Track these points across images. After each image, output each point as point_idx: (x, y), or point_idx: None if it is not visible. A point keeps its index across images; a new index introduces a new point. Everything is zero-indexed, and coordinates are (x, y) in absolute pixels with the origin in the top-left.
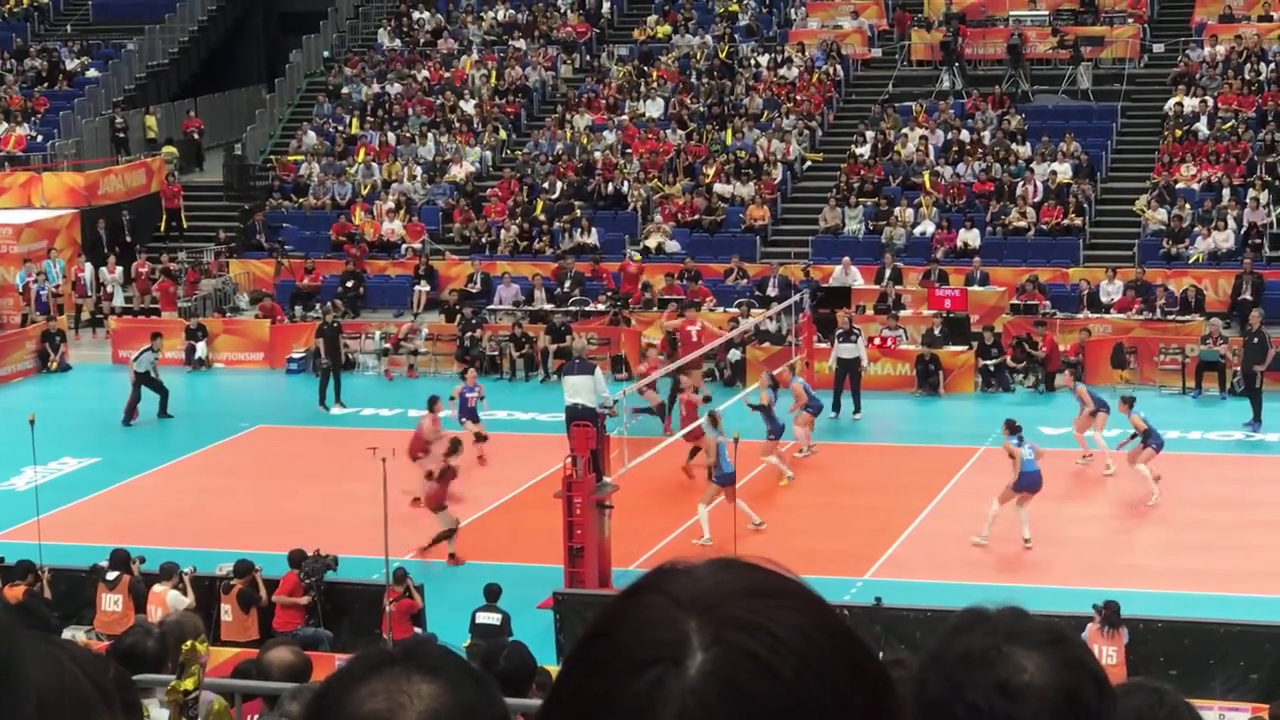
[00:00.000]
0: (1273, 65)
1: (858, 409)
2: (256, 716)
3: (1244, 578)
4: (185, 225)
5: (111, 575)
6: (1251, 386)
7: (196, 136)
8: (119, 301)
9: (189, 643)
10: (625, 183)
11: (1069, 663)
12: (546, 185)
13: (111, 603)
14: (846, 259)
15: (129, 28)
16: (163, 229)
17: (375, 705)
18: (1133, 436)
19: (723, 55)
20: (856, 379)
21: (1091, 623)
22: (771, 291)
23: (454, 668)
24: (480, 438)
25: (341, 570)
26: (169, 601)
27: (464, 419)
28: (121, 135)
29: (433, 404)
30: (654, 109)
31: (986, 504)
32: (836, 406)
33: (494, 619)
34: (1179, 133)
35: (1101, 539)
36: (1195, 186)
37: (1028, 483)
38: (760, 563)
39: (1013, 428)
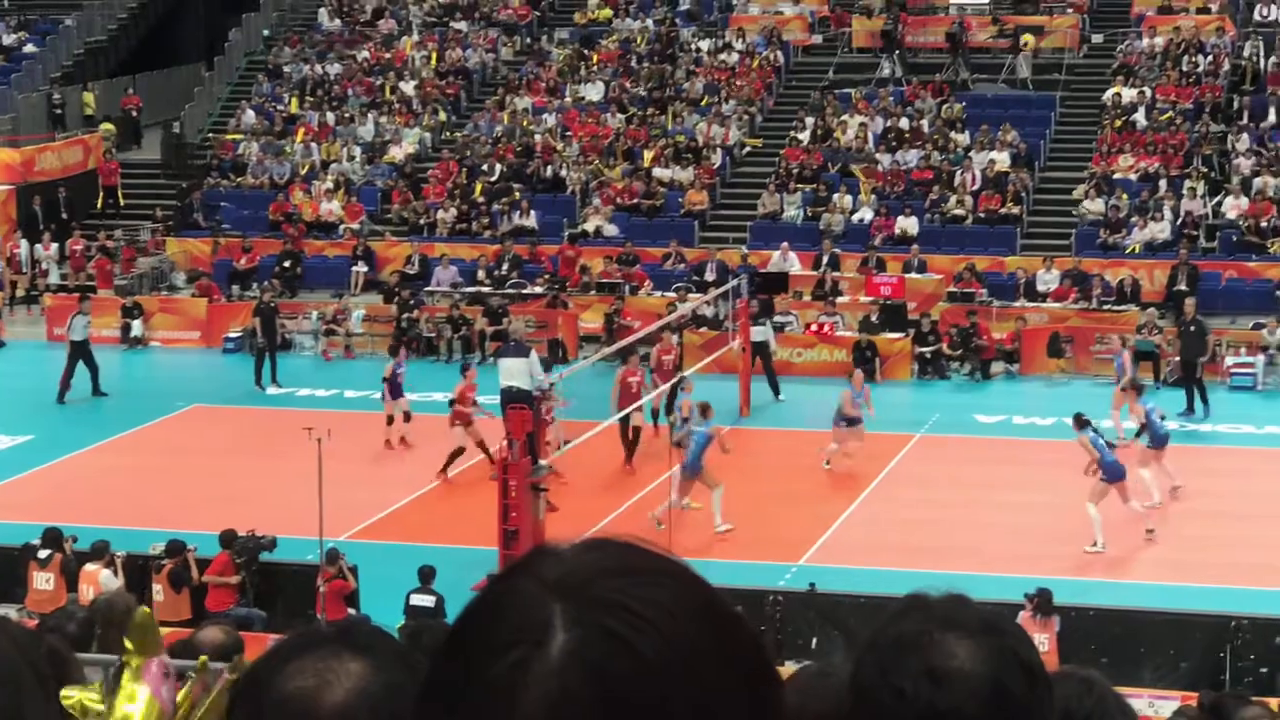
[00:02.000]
0: (1210, 57)
1: (776, 392)
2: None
3: (1175, 567)
4: (122, 203)
5: (44, 554)
6: (1191, 376)
7: (134, 114)
8: (54, 279)
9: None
10: (564, 166)
11: (1000, 652)
12: (486, 167)
13: (43, 581)
14: (785, 245)
15: (68, 3)
16: (99, 206)
17: (303, 682)
18: (1139, 432)
19: (663, 41)
20: (767, 361)
21: (1024, 610)
22: (709, 276)
23: (384, 648)
24: (406, 417)
25: (276, 550)
26: (101, 580)
27: (394, 397)
28: (59, 111)
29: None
30: (594, 92)
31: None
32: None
33: (428, 601)
34: (1117, 123)
35: (1035, 527)
36: (1133, 177)
37: (1114, 472)
38: (633, 542)
39: (1082, 422)
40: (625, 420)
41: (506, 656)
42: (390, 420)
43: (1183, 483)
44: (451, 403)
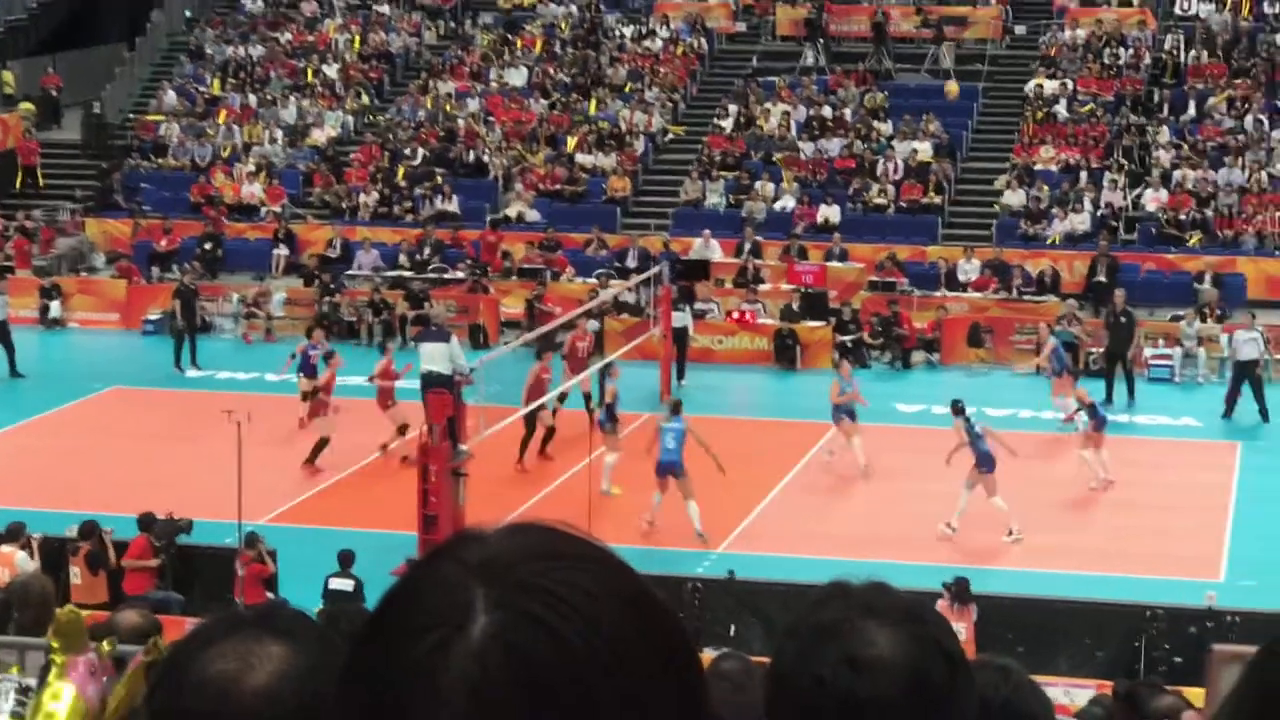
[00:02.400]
0: (1132, 50)
1: (680, 375)
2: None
3: (1092, 556)
4: (41, 183)
5: None
6: (1122, 367)
7: (55, 93)
8: None
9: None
10: (487, 151)
11: (921, 640)
12: (408, 151)
13: None
14: (707, 232)
15: None
16: (18, 186)
17: (224, 666)
18: (1076, 412)
19: (586, 26)
20: (682, 348)
21: (941, 599)
22: (631, 263)
23: (305, 631)
24: (306, 395)
25: (194, 534)
26: (16, 562)
27: (300, 374)
28: None
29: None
30: (517, 78)
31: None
32: (680, 376)
33: (347, 585)
34: (1039, 115)
35: (951, 515)
36: (1054, 168)
37: (987, 462)
38: (556, 527)
39: (958, 409)
40: (530, 416)
41: (426, 639)
42: (305, 396)
43: (1115, 479)
44: (371, 378)
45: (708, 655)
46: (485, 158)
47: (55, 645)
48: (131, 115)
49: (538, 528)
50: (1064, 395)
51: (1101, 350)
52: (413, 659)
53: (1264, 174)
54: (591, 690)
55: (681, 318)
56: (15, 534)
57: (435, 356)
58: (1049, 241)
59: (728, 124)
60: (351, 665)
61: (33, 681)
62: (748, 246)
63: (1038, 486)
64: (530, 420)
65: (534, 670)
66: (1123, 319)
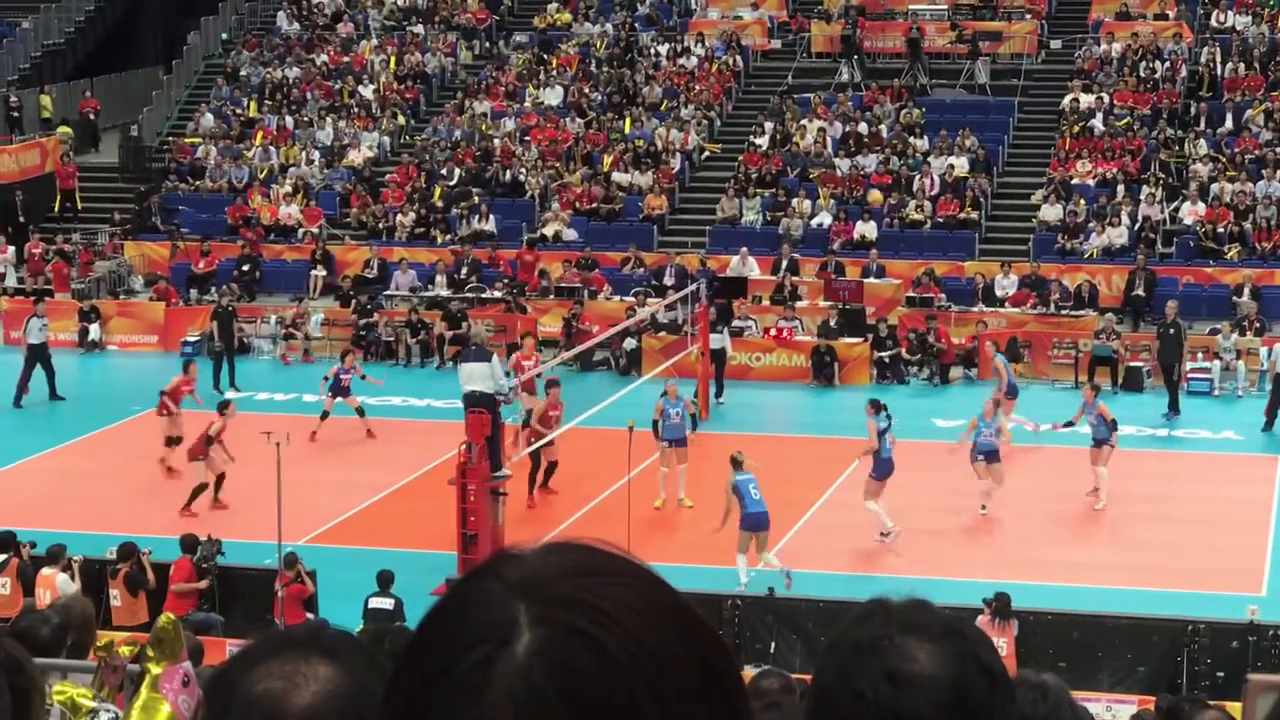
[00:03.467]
0: (1168, 63)
1: (719, 393)
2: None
3: (1133, 571)
4: (80, 206)
5: None
6: (1167, 379)
7: (92, 117)
8: (11, 282)
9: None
10: (523, 170)
11: (961, 656)
12: (444, 171)
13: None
14: (744, 249)
15: (24, 6)
16: (57, 210)
17: (271, 685)
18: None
19: (622, 45)
20: (720, 367)
21: (982, 615)
22: (668, 281)
23: (352, 651)
24: (359, 412)
25: (234, 555)
26: (58, 585)
27: (337, 397)
28: (15, 114)
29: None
30: (553, 97)
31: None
32: (719, 393)
33: (387, 604)
34: (1075, 129)
35: (992, 531)
36: (1090, 182)
37: (883, 469)
38: (593, 544)
39: (878, 407)
40: (536, 454)
41: (471, 655)
42: (324, 415)
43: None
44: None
45: (748, 672)
46: (521, 177)
47: (151, 654)
48: (169, 138)
49: (577, 545)
50: (1005, 416)
51: (1152, 364)
52: (457, 676)
53: None
54: (636, 704)
55: (719, 339)
56: (56, 557)
57: (476, 376)
58: (1086, 256)
59: (764, 141)
60: (396, 683)
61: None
62: (785, 263)
63: (1079, 501)
64: (536, 454)
65: (579, 684)
66: (1170, 330)
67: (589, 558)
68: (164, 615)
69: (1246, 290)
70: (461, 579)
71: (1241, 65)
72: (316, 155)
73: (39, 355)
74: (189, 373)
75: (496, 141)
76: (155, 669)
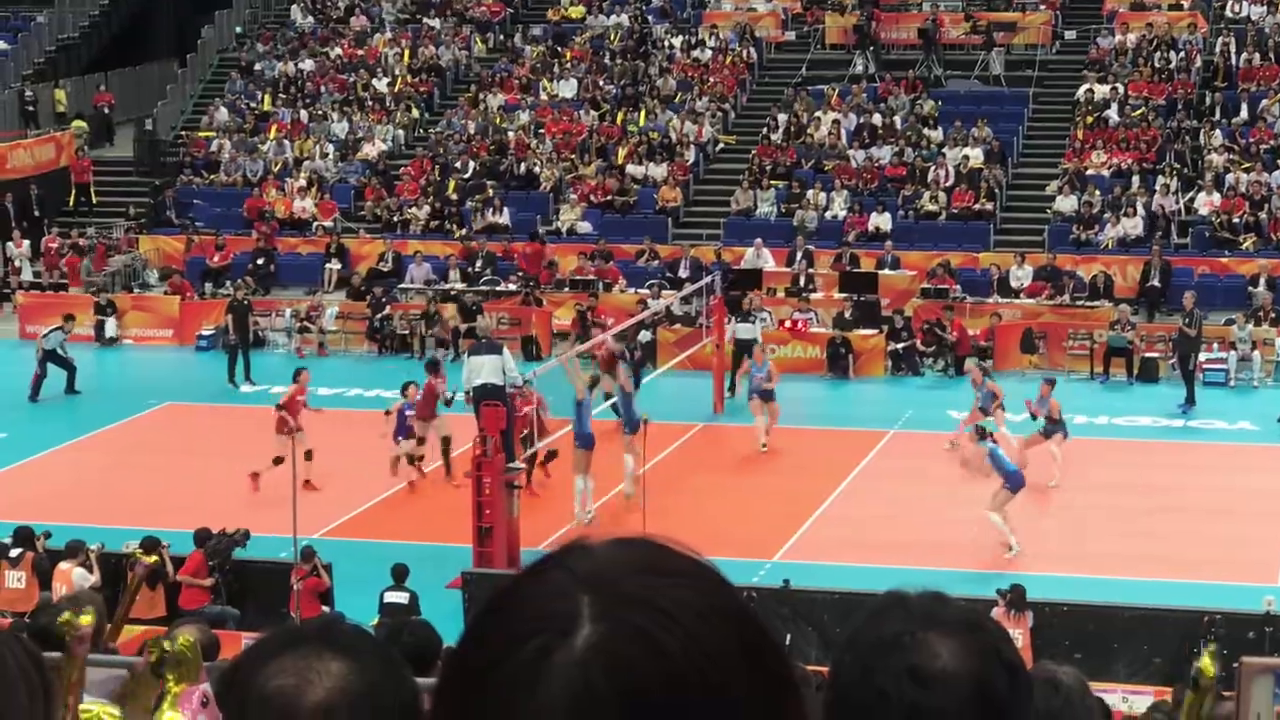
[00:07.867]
0: (1182, 54)
1: (733, 388)
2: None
3: (1148, 562)
4: (95, 200)
5: (14, 552)
6: (1183, 369)
7: (107, 111)
8: (26, 276)
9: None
10: (538, 163)
11: (983, 651)
12: (459, 165)
13: (14, 579)
14: (758, 241)
15: (39, 0)
16: (72, 204)
17: (284, 681)
18: (1048, 420)
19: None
20: (740, 358)
21: (997, 606)
22: (683, 273)
23: (365, 647)
24: (411, 460)
25: (249, 548)
26: (74, 579)
27: (398, 437)
28: (30, 109)
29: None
30: (567, 89)
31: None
32: (733, 388)
33: (402, 598)
34: (1090, 119)
35: (1007, 522)
36: (1105, 173)
37: (1015, 482)
38: (664, 542)
39: (982, 434)
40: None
41: (531, 643)
42: (408, 459)
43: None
44: (279, 406)
45: None
46: (536, 170)
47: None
48: (183, 132)
49: (645, 542)
50: (1000, 426)
51: (1173, 355)
52: (515, 662)
53: None
54: (690, 706)
55: (750, 329)
56: (74, 550)
57: (488, 369)
58: (1102, 246)
59: (778, 133)
60: (452, 664)
61: None
62: (799, 255)
63: (1093, 492)
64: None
65: (634, 681)
66: (1189, 321)
67: (658, 555)
68: (182, 636)
69: (1262, 280)
70: (529, 566)
71: (1257, 55)
72: (331, 149)
73: (51, 359)
74: (300, 381)
75: (511, 134)
76: (175, 689)
